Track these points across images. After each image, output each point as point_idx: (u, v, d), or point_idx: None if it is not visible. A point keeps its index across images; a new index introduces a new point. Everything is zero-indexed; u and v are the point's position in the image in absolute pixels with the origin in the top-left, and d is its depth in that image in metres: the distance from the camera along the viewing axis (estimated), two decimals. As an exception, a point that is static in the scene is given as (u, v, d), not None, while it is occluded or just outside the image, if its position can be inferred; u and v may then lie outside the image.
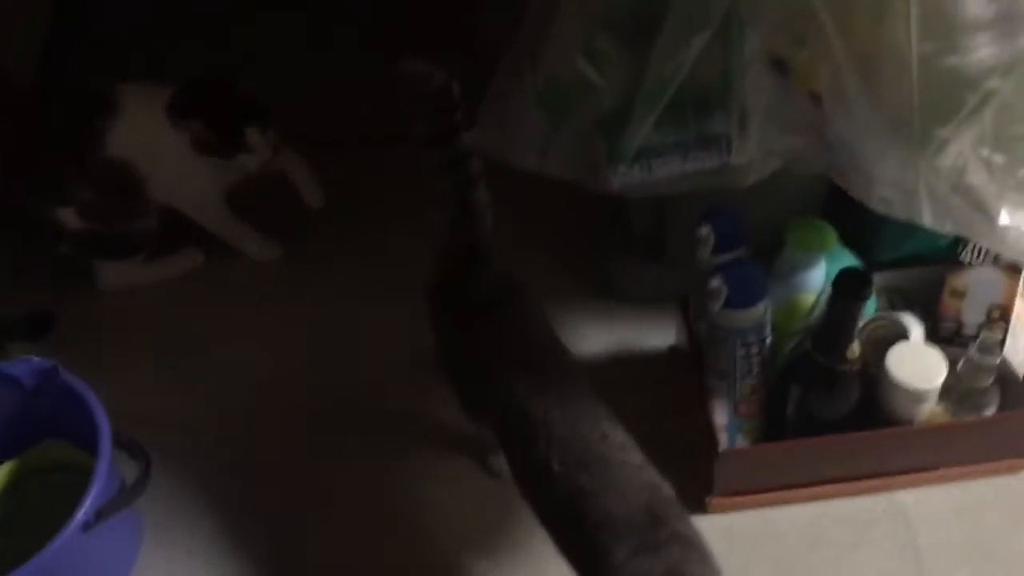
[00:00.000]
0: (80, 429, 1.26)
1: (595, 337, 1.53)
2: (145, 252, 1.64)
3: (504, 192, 1.15)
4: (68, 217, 1.53)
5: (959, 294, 1.30)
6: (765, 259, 1.31)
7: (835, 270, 1.24)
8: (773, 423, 1.31)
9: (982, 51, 0.83)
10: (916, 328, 1.30)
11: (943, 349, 1.26)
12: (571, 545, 1.02)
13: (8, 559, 1.26)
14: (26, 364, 1.28)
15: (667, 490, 1.01)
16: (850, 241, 1.33)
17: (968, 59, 0.84)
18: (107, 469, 1.19)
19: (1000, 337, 1.23)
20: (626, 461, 1.01)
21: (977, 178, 0.88)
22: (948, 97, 0.86)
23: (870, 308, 1.33)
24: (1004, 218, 0.90)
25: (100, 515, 1.17)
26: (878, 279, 1.38)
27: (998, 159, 0.87)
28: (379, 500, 1.39)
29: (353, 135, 1.85)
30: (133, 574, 1.34)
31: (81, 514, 1.14)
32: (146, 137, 1.47)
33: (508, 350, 1.09)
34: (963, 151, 0.87)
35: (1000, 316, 1.26)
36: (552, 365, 1.09)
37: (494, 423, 1.13)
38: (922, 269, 1.37)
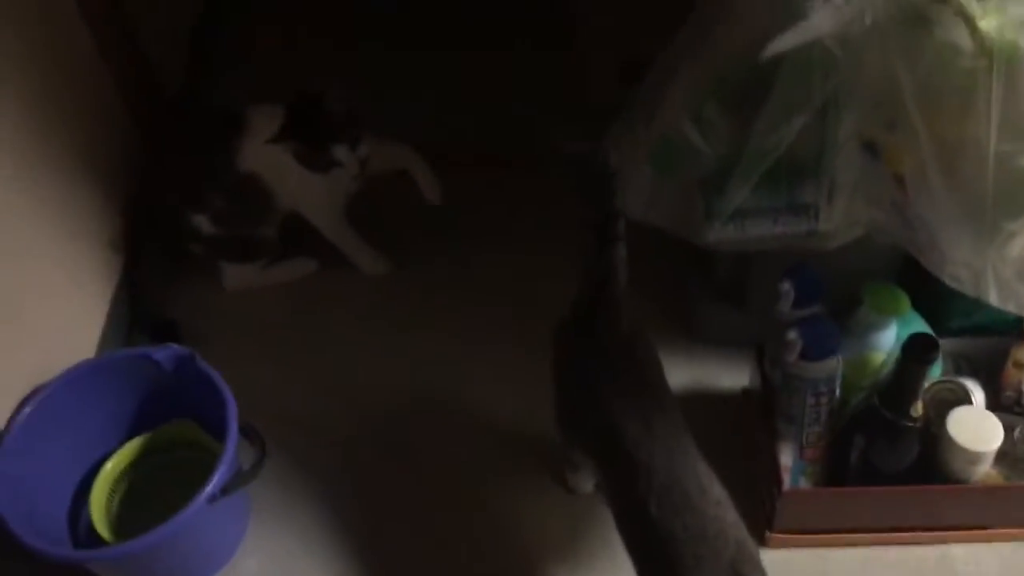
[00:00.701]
0: (207, 411, 1.40)
1: (674, 374, 1.61)
2: (266, 257, 1.80)
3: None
4: (202, 223, 1.70)
5: (1022, 366, 1.38)
6: (841, 316, 1.40)
7: (906, 333, 1.33)
8: (835, 469, 1.40)
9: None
10: (978, 394, 1.38)
11: (1002, 416, 1.34)
12: None
13: (134, 523, 1.43)
14: (168, 350, 1.44)
15: (752, 548, 1.10)
16: (922, 307, 1.41)
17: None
18: (233, 450, 1.33)
19: (1055, 410, 1.31)
20: (719, 517, 1.10)
21: (1040, 268, 0.98)
22: (1019, 194, 0.96)
23: (936, 371, 1.41)
24: (1062, 306, 1.00)
25: (224, 490, 1.32)
26: (946, 345, 1.45)
27: (1061, 252, 0.97)
28: (464, 501, 1.52)
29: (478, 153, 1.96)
30: (240, 548, 1.49)
31: (210, 487, 1.28)
32: (270, 153, 1.62)
33: (625, 394, 1.18)
34: (1029, 243, 0.98)
35: (1058, 391, 1.33)
36: (662, 415, 1.18)
37: (594, 456, 1.23)
38: (989, 339, 1.44)
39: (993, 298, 1.04)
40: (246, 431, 1.39)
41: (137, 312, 1.75)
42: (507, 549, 1.47)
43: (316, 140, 1.59)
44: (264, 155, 1.62)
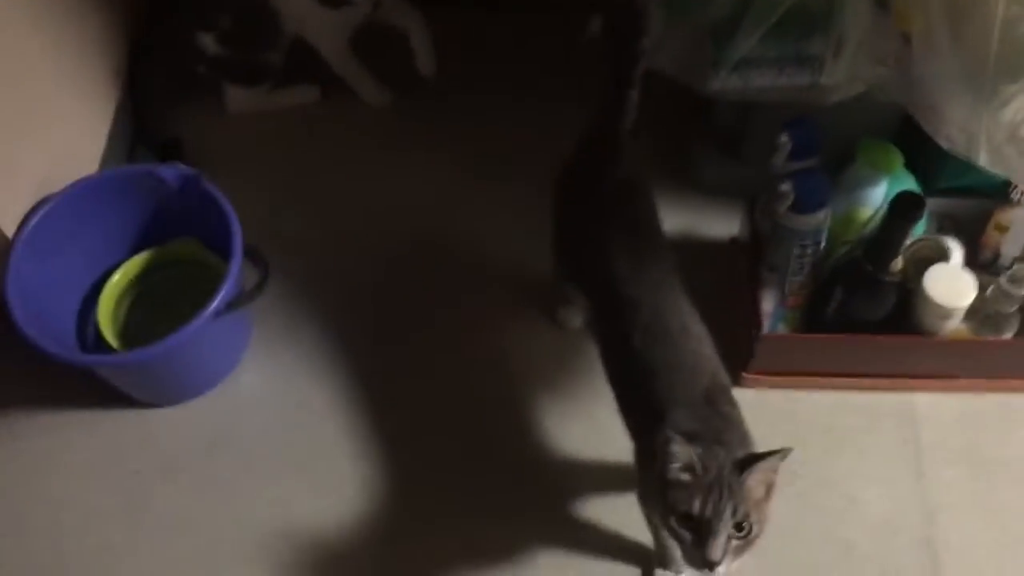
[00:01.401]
0: (212, 231, 1.45)
1: (668, 219, 1.63)
2: (270, 82, 1.80)
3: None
4: (208, 43, 1.68)
5: (1002, 228, 1.42)
6: (833, 171, 1.44)
7: (895, 191, 1.37)
8: (813, 318, 1.47)
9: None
10: (957, 252, 1.43)
11: (977, 275, 1.40)
12: (632, 406, 1.19)
13: (139, 333, 1.50)
14: (174, 169, 1.46)
15: (725, 380, 1.17)
16: (914, 166, 1.45)
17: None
18: (238, 269, 1.38)
19: (1030, 272, 1.37)
20: (696, 351, 1.16)
21: (1032, 132, 1.01)
22: (1019, 60, 0.98)
23: (919, 228, 1.46)
24: (1048, 169, 1.03)
25: (228, 307, 1.37)
26: (933, 203, 1.50)
27: (1053, 118, 1.00)
28: (459, 331, 1.59)
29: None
30: (240, 364, 1.56)
31: (215, 303, 1.34)
32: None
33: (620, 234, 1.23)
34: (1022, 108, 1.00)
35: (1034, 253, 1.39)
36: (652, 254, 1.23)
37: (586, 290, 1.29)
38: (974, 201, 1.49)
39: (983, 160, 1.08)
40: (250, 252, 1.44)
41: (143, 129, 1.77)
42: (499, 379, 1.54)
43: None
44: None
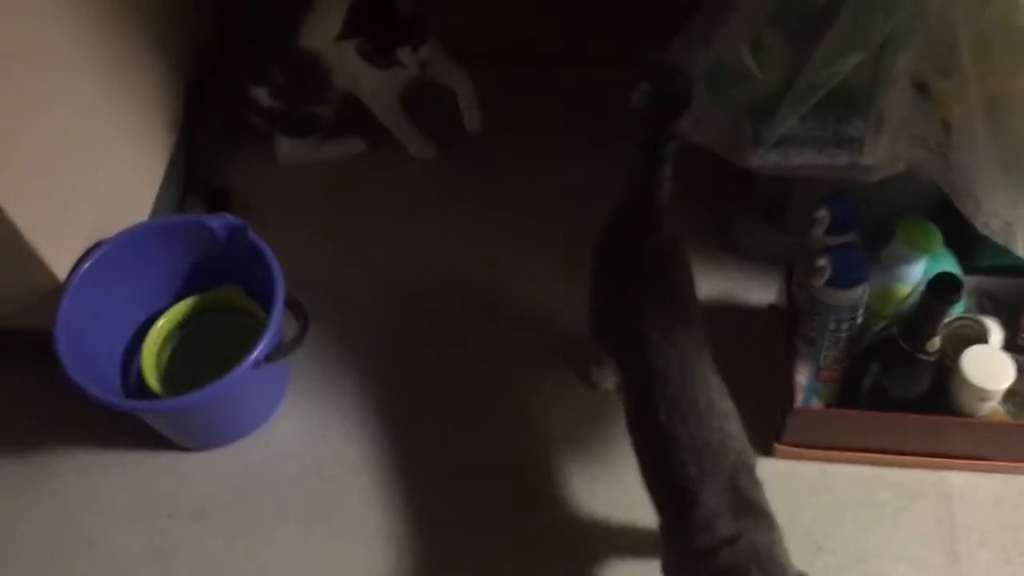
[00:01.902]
0: (255, 281, 1.48)
1: (706, 284, 1.64)
2: (320, 133, 1.85)
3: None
4: (261, 95, 1.74)
5: (1043, 311, 1.42)
6: (872, 247, 1.44)
7: (935, 269, 1.37)
8: (849, 393, 1.45)
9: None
10: (996, 333, 1.42)
11: (1017, 357, 1.38)
12: (657, 483, 1.19)
13: (181, 378, 1.53)
14: (222, 219, 1.50)
15: (750, 459, 1.17)
16: (955, 244, 1.44)
17: (1083, 125, 0.96)
18: (279, 320, 1.41)
19: (1068, 356, 1.35)
20: (723, 429, 1.16)
21: (1069, 226, 1.01)
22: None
23: (958, 308, 1.45)
24: (1084, 264, 1.03)
25: (269, 357, 1.40)
26: (972, 282, 1.49)
27: (1090, 214, 1.00)
28: (493, 386, 1.61)
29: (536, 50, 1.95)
30: (277, 412, 1.59)
31: (255, 353, 1.37)
32: (332, 34, 1.62)
33: (653, 305, 1.23)
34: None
35: (1074, 338, 1.37)
36: (685, 327, 1.22)
37: (617, 358, 1.30)
38: (1015, 281, 1.48)
39: (1020, 250, 1.07)
40: (291, 303, 1.47)
41: (193, 179, 1.82)
42: (532, 437, 1.55)
43: (381, 39, 1.60)
44: (326, 36, 1.64)
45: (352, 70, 1.70)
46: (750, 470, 1.15)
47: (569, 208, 1.71)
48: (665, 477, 1.16)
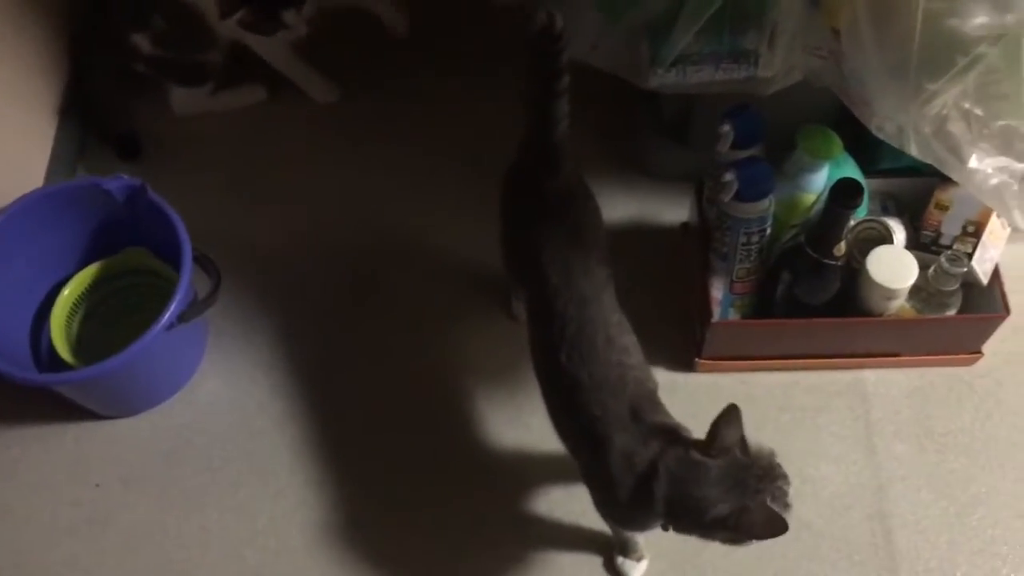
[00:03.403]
0: (161, 241, 1.45)
1: (618, 207, 1.69)
2: (213, 82, 1.78)
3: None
4: (143, 43, 1.66)
5: (943, 207, 1.45)
6: (776, 159, 1.45)
7: (838, 175, 1.39)
8: (762, 303, 1.49)
9: (978, 19, 0.97)
10: (900, 233, 1.46)
11: (920, 254, 1.42)
12: (566, 427, 1.20)
13: (93, 345, 1.49)
14: (119, 180, 1.45)
15: (651, 386, 1.18)
16: (855, 149, 1.46)
17: (965, 24, 0.97)
18: (188, 280, 1.38)
19: (969, 250, 1.39)
20: (622, 362, 1.16)
21: (956, 127, 1.02)
22: (942, 56, 0.99)
23: (862, 211, 1.48)
24: (973, 162, 1.05)
25: (181, 318, 1.37)
26: (874, 184, 1.53)
27: (977, 112, 1.02)
28: (413, 327, 1.60)
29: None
30: (198, 372, 1.56)
31: (167, 316, 1.34)
32: None
33: (554, 246, 1.22)
34: (947, 103, 1.02)
35: (973, 232, 1.41)
36: (584, 267, 1.21)
37: (525, 295, 1.29)
38: (916, 180, 1.50)
39: (913, 151, 1.10)
40: (201, 260, 1.44)
41: (95, 125, 1.75)
42: (456, 372, 1.56)
43: (264, 7, 1.54)
44: None
45: (236, 34, 1.64)
46: (650, 395, 1.16)
47: (481, 142, 1.69)
48: (574, 421, 1.16)
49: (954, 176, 1.09)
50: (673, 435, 1.11)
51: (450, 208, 1.70)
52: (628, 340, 1.19)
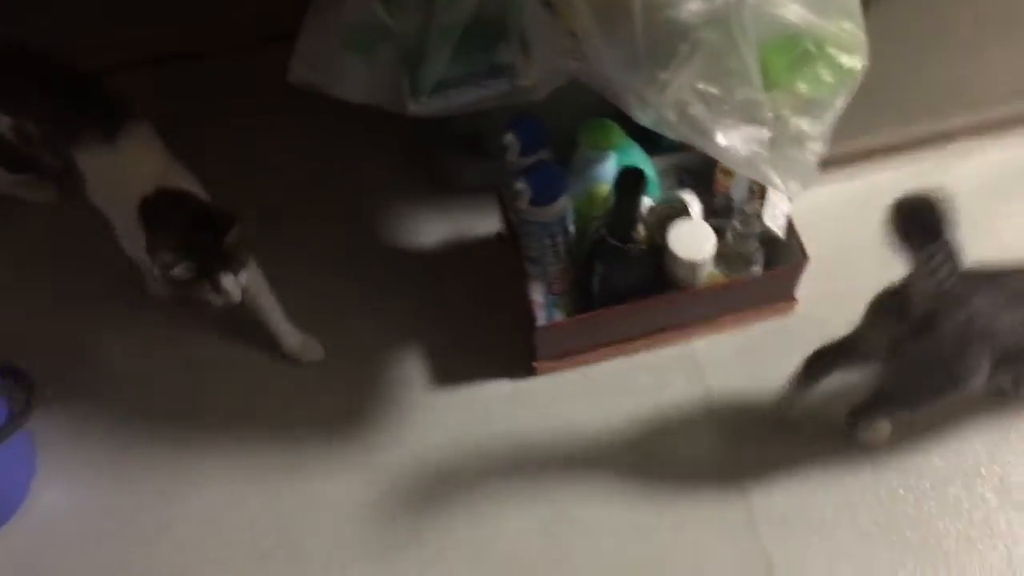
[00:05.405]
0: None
1: (430, 227, 1.70)
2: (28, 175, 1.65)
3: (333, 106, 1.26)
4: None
5: (728, 173, 1.51)
6: (566, 158, 1.49)
7: (626, 160, 1.44)
8: (584, 296, 1.52)
9: (691, 6, 1.01)
10: (695, 205, 1.51)
11: (717, 221, 1.48)
12: None
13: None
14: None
15: None
16: (638, 132, 1.48)
17: (680, 13, 1.01)
18: (-5, 397, 1.32)
19: (757, 209, 1.45)
20: None
21: (697, 109, 1.07)
22: (666, 45, 1.03)
23: (655, 191, 1.53)
24: (721, 139, 1.10)
25: (-5, 440, 1.31)
26: (666, 161, 1.58)
27: (712, 91, 1.06)
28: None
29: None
30: (33, 484, 1.49)
31: (-26, 443, 1.28)
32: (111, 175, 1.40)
33: None
34: (683, 88, 1.06)
35: (759, 191, 1.47)
36: None
37: None
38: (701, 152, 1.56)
39: (670, 134, 1.14)
40: (10, 372, 1.38)
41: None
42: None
43: (206, 267, 1.32)
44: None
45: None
46: None
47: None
48: None
49: (710, 153, 1.13)
50: None
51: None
52: None
